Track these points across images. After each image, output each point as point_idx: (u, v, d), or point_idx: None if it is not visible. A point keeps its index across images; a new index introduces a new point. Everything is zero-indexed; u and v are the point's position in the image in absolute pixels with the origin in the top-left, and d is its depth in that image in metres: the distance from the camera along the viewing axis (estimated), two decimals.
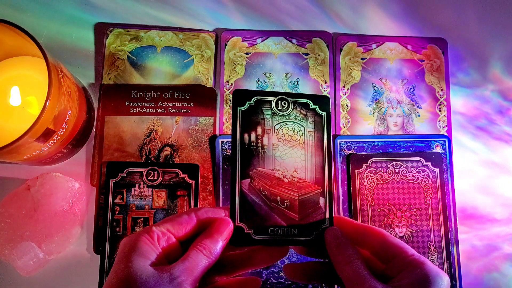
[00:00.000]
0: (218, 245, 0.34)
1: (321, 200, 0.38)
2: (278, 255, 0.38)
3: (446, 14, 0.60)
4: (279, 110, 0.39)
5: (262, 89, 0.56)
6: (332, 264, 0.35)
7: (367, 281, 0.32)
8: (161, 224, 0.34)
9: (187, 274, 0.32)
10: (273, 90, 0.56)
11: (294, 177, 0.38)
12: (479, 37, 0.59)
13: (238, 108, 0.38)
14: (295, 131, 0.39)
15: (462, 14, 0.60)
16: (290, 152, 0.38)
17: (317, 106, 0.39)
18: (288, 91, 0.56)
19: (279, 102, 0.39)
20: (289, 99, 0.39)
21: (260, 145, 0.38)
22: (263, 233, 0.36)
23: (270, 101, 0.39)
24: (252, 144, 0.38)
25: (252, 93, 0.39)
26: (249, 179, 0.37)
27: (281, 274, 0.52)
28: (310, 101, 0.39)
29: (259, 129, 0.38)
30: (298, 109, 0.39)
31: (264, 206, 0.37)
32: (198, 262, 0.33)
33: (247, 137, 0.38)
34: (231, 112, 0.55)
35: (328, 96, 0.42)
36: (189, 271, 0.32)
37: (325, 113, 0.39)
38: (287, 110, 0.39)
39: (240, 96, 0.38)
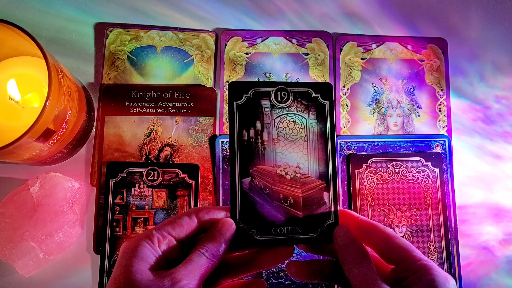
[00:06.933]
0: (221, 247, 0.34)
1: (326, 195, 0.36)
2: (283, 256, 0.36)
3: (446, 14, 0.60)
4: (278, 102, 0.36)
5: None
6: (338, 263, 0.35)
7: (376, 285, 0.32)
8: (161, 227, 0.34)
9: (189, 277, 0.31)
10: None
11: (296, 173, 0.36)
12: (479, 37, 0.59)
13: (235, 102, 0.36)
14: (297, 123, 0.36)
15: (462, 14, 0.60)
16: (292, 147, 0.36)
17: (319, 95, 0.37)
18: None
19: (279, 93, 0.36)
20: (289, 89, 0.36)
21: (259, 141, 0.36)
22: (266, 233, 0.35)
23: (268, 93, 0.36)
24: (251, 140, 0.36)
25: (249, 85, 0.36)
26: (250, 178, 0.35)
27: (281, 274, 0.52)
28: (311, 90, 0.37)
29: (258, 124, 0.36)
30: (299, 99, 0.37)
31: (266, 205, 0.35)
32: (200, 265, 0.32)
33: (246, 133, 0.35)
34: None
35: (331, 83, 0.40)
36: (191, 275, 0.31)
37: (327, 102, 0.37)
38: (287, 101, 0.36)
39: (236, 89, 0.36)
